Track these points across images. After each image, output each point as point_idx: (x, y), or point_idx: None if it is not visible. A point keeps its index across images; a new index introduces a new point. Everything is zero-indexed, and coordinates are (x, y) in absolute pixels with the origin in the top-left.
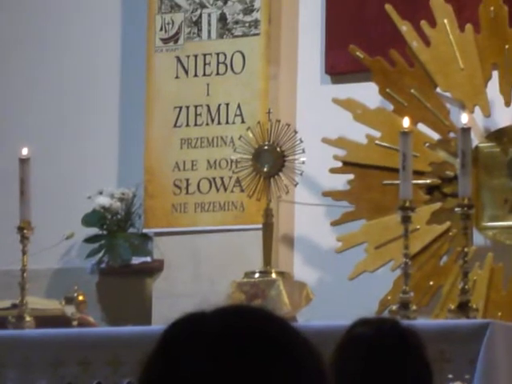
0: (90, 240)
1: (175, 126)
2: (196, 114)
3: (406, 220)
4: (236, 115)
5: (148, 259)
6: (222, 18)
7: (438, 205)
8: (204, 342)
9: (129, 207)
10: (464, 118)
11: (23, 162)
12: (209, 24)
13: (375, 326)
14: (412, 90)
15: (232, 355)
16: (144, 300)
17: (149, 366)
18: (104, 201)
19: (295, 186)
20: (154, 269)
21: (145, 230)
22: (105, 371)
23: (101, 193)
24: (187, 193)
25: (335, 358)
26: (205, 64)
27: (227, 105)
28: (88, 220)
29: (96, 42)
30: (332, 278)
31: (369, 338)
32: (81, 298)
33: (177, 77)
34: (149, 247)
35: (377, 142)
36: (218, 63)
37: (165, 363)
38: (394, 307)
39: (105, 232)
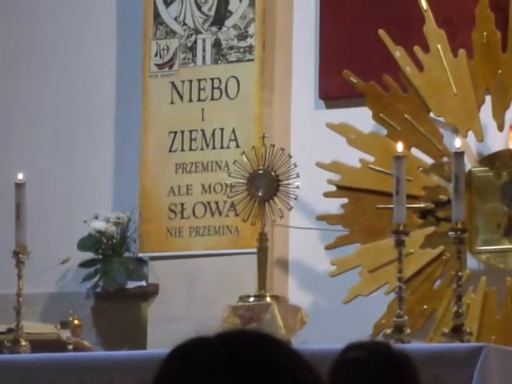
0: (85, 264)
1: (170, 150)
2: (191, 139)
3: (399, 244)
4: (231, 140)
5: (143, 283)
6: (217, 44)
7: (431, 229)
8: (208, 365)
9: (124, 231)
10: (457, 143)
11: (19, 186)
12: (203, 50)
13: (367, 350)
14: (405, 115)
15: (236, 379)
16: (139, 324)
17: None
18: (99, 225)
19: (290, 210)
20: (149, 293)
21: (140, 255)
22: None
23: (96, 217)
24: (182, 217)
25: (328, 382)
26: (199, 89)
27: (222, 130)
28: (83, 244)
29: (91, 67)
30: (326, 301)
31: (361, 362)
32: (76, 322)
33: (172, 102)
34: (144, 271)
35: (370, 166)
36: (213, 88)
37: None
38: (388, 331)
39: (100, 256)
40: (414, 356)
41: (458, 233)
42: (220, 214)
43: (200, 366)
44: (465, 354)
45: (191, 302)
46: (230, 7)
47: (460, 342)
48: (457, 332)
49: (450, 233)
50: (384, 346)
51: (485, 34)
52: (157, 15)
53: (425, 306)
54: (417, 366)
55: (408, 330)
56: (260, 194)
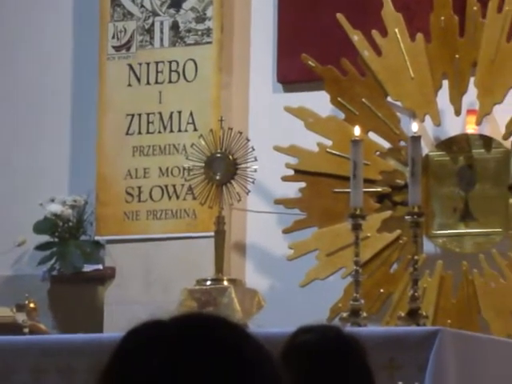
0: (41, 247)
1: (127, 133)
2: (148, 122)
3: (356, 228)
4: (188, 123)
5: (100, 267)
6: (175, 26)
7: (388, 213)
8: (161, 348)
9: (81, 214)
10: (414, 127)
11: None
12: (161, 32)
13: (318, 334)
14: (363, 99)
15: (189, 361)
16: (95, 307)
17: (107, 374)
18: (56, 208)
19: (247, 193)
20: (105, 276)
21: (97, 238)
22: (56, 379)
23: (52, 200)
24: (139, 200)
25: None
26: (157, 72)
27: (179, 113)
28: (39, 227)
29: (48, 49)
30: (283, 285)
31: (311, 346)
32: (32, 305)
33: (129, 84)
34: (100, 255)
35: (328, 150)
36: (171, 71)
37: (123, 370)
38: (345, 314)
39: (56, 239)
40: (370, 339)
41: (415, 217)
42: (177, 197)
43: (154, 350)
44: (421, 337)
45: (148, 285)
46: None
47: (416, 325)
48: (413, 315)
49: (406, 217)
50: (334, 330)
51: (442, 18)
52: None
53: (381, 290)
54: (366, 350)
55: (364, 314)
56: (218, 177)
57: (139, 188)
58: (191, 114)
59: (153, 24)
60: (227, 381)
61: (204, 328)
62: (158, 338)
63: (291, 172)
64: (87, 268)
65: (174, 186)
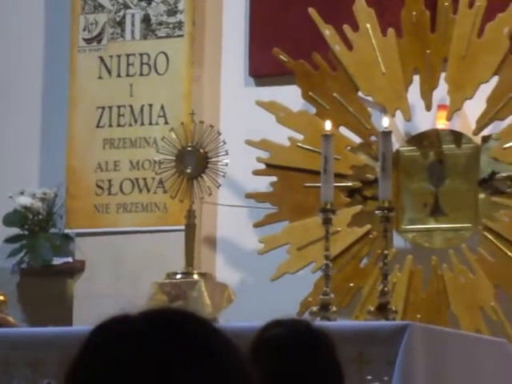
0: (10, 240)
1: (98, 126)
2: (119, 115)
3: (327, 222)
4: (159, 116)
5: (69, 260)
6: (146, 19)
7: (358, 207)
8: (129, 343)
9: (50, 207)
10: (385, 122)
11: None
12: (132, 25)
13: (287, 328)
14: (334, 94)
15: (156, 357)
16: (65, 300)
17: (75, 368)
18: (25, 200)
19: (218, 187)
20: (75, 269)
21: (66, 231)
22: (25, 371)
23: (22, 192)
24: (109, 193)
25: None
26: (128, 64)
27: (150, 106)
28: (9, 220)
29: (19, 41)
30: (254, 279)
31: (281, 340)
32: (1, 297)
33: (100, 77)
34: (70, 248)
35: (299, 144)
36: (142, 64)
37: (91, 364)
38: (315, 308)
39: (26, 232)
40: (340, 334)
41: (385, 212)
42: (148, 190)
43: (122, 345)
44: (390, 332)
45: (118, 278)
46: None
47: (385, 320)
48: (382, 310)
49: (376, 211)
50: (304, 324)
51: (414, 13)
52: None
53: (351, 284)
54: (336, 344)
55: (334, 308)
56: (188, 170)
57: (109, 181)
58: (162, 107)
59: (124, 17)
60: (195, 376)
61: (172, 323)
62: (126, 333)
63: (262, 166)
64: (57, 261)
65: (144, 179)
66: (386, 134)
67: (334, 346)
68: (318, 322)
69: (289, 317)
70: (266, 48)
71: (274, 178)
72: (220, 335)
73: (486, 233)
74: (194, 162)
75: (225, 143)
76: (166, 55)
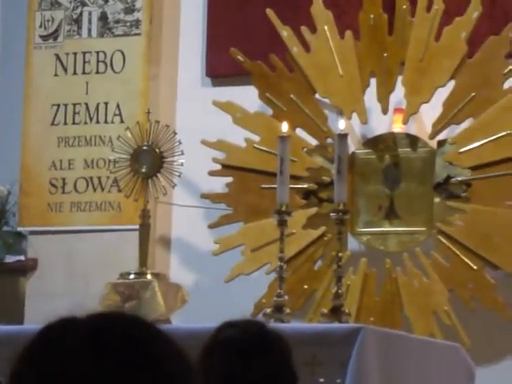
0: None
1: (53, 123)
2: (74, 113)
3: (282, 224)
4: (115, 115)
5: (22, 258)
6: (103, 17)
7: (313, 210)
8: (73, 344)
9: (3, 205)
10: (341, 124)
11: None
12: (89, 22)
13: (241, 329)
14: (291, 95)
15: (98, 357)
16: (17, 299)
17: (19, 367)
18: None
19: (173, 187)
20: (27, 268)
21: (19, 229)
22: None
23: None
24: (63, 192)
25: (200, 361)
26: (84, 62)
27: (106, 104)
28: None
29: None
30: (208, 280)
31: (234, 341)
32: None
33: (56, 74)
34: (23, 246)
35: (255, 145)
36: (98, 62)
37: (34, 365)
38: (269, 310)
39: None
40: (293, 336)
41: (340, 214)
42: (102, 189)
43: (66, 347)
44: (343, 334)
45: (71, 277)
46: None
47: (339, 322)
48: (336, 312)
49: (331, 214)
50: (257, 325)
51: (372, 16)
52: None
53: (305, 286)
54: (290, 346)
55: (288, 310)
56: (143, 170)
57: (63, 179)
58: (118, 105)
59: (81, 14)
60: (137, 379)
61: (115, 326)
62: (69, 336)
63: (218, 167)
64: (9, 259)
65: (99, 178)
66: (342, 137)
67: (289, 349)
68: (273, 324)
69: (243, 318)
70: (223, 48)
71: (230, 179)
72: (164, 338)
73: (440, 237)
74: (150, 161)
75: (180, 143)
76: (123, 53)
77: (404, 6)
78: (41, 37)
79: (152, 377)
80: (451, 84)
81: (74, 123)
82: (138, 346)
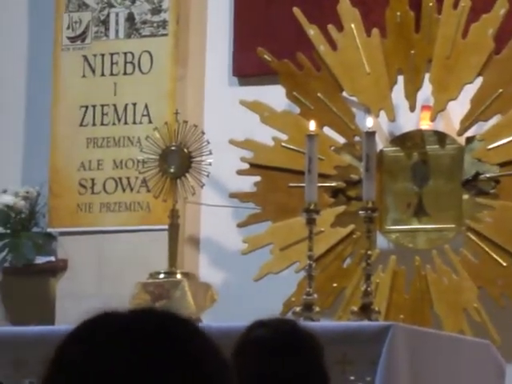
0: None
1: (81, 125)
2: (103, 114)
3: (310, 222)
4: (143, 115)
5: (52, 259)
6: (130, 18)
7: (342, 208)
8: (106, 341)
9: (33, 206)
10: (369, 122)
11: None
12: (116, 23)
13: (272, 328)
14: (318, 94)
15: (133, 355)
16: (47, 300)
17: (50, 367)
18: (8, 199)
19: (202, 187)
20: (57, 268)
21: (49, 230)
22: (7, 371)
23: (5, 191)
24: (93, 192)
25: (232, 360)
26: (112, 63)
27: (134, 105)
28: None
29: (2, 39)
30: (237, 279)
31: (266, 340)
32: None
33: (83, 76)
34: (53, 247)
35: (283, 144)
36: (126, 63)
37: (65, 364)
38: (298, 309)
39: (8, 231)
40: (323, 334)
41: (369, 212)
42: (131, 190)
43: (98, 347)
44: (373, 332)
45: (100, 278)
46: None
47: (368, 320)
48: (365, 310)
49: (360, 212)
50: (289, 324)
51: (398, 13)
52: None
53: (334, 285)
54: (321, 344)
55: (317, 308)
56: (172, 170)
57: (92, 180)
58: (146, 106)
59: (108, 15)
60: (173, 376)
61: (150, 322)
62: (102, 332)
63: (246, 166)
64: (39, 260)
65: (127, 178)
66: (370, 135)
67: (321, 348)
68: (304, 323)
69: (273, 317)
70: (250, 48)
71: (258, 178)
72: (201, 335)
73: (469, 234)
74: (178, 161)
75: (209, 143)
76: (150, 54)
77: (430, 4)
78: (68, 38)
79: (189, 375)
80: (479, 81)
81: (102, 124)
82: (175, 343)
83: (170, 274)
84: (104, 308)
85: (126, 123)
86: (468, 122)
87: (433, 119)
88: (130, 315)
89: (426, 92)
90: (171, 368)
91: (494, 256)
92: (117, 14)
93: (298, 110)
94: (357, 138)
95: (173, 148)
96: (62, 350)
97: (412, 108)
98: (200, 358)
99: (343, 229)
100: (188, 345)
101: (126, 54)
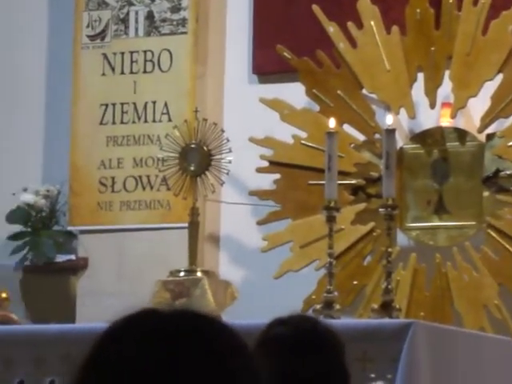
0: (14, 237)
1: (101, 123)
2: (122, 112)
3: (330, 220)
4: (163, 113)
5: (72, 257)
6: (150, 16)
7: (362, 205)
8: (135, 340)
9: (53, 204)
10: (389, 120)
11: None
12: (136, 21)
13: (293, 326)
14: (338, 91)
15: (160, 353)
16: (68, 298)
17: (87, 364)
18: (28, 198)
19: (222, 185)
20: (78, 267)
21: (69, 228)
22: (28, 369)
23: (25, 189)
24: (113, 191)
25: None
26: (132, 62)
27: (154, 103)
28: (12, 217)
29: (22, 38)
30: (257, 276)
31: (286, 338)
32: (4, 295)
33: (103, 74)
34: (73, 245)
35: (303, 142)
36: (146, 61)
37: (97, 363)
38: (318, 306)
39: (29, 229)
40: (344, 332)
41: (389, 209)
42: (151, 188)
43: (128, 346)
44: (394, 330)
45: (121, 276)
46: None
47: (389, 318)
48: (386, 308)
49: (380, 209)
50: (310, 322)
51: (418, 10)
52: None
53: (355, 282)
54: (343, 342)
55: (338, 306)
56: (192, 168)
57: (113, 178)
58: (166, 104)
59: (128, 13)
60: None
61: (178, 321)
62: (132, 332)
63: (266, 163)
64: (60, 258)
65: (148, 176)
66: (390, 132)
67: (342, 346)
68: (325, 320)
69: (294, 314)
70: (269, 45)
71: (278, 176)
72: (228, 333)
73: (490, 231)
74: (198, 159)
75: (228, 141)
76: (170, 52)
77: (450, 0)
78: (88, 37)
79: (216, 372)
80: (499, 77)
81: (122, 122)
82: (202, 340)
83: (190, 271)
84: (140, 307)
85: (145, 121)
86: (488, 118)
87: (453, 116)
88: (166, 315)
89: (446, 89)
90: (197, 365)
91: None
92: (136, 12)
93: (317, 107)
94: (377, 136)
95: (192, 146)
96: (97, 348)
97: (432, 105)
98: (226, 355)
99: (363, 226)
100: (214, 342)
101: (145, 52)
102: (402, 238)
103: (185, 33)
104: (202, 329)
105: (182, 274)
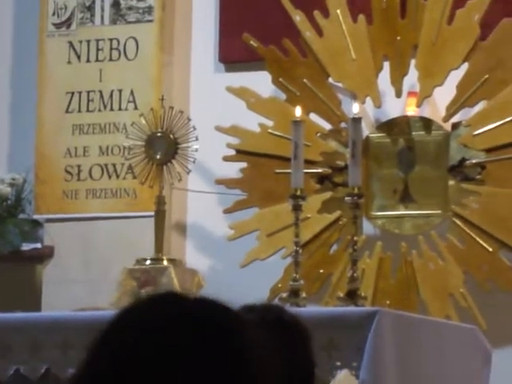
0: None
1: (67, 111)
2: (88, 100)
3: (296, 208)
4: (129, 101)
5: (38, 245)
6: (116, 4)
7: (328, 194)
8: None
9: (19, 193)
10: (355, 108)
11: None
12: (102, 9)
13: (259, 313)
14: (304, 80)
15: (174, 344)
16: (34, 286)
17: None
18: None
19: (188, 173)
20: (44, 255)
21: (35, 216)
22: (24, 356)
23: None
24: (79, 179)
25: None
26: (98, 50)
27: (120, 91)
28: None
29: None
30: (224, 265)
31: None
32: None
33: (69, 62)
34: (39, 233)
35: (269, 130)
36: (111, 49)
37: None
38: (285, 295)
39: None
40: (309, 320)
41: (355, 198)
42: (117, 176)
43: (141, 335)
44: (359, 317)
45: (87, 264)
46: None
47: (355, 306)
48: (352, 296)
49: (346, 198)
50: (276, 309)
51: None
52: None
53: (321, 271)
54: (309, 330)
55: (304, 294)
56: (158, 156)
57: (79, 166)
58: (132, 92)
59: (93, 1)
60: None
61: (191, 311)
62: (143, 321)
63: (232, 152)
64: (25, 247)
65: (113, 164)
66: (356, 121)
67: (308, 335)
68: (291, 308)
69: (260, 303)
70: (235, 34)
71: (244, 164)
72: (243, 324)
73: (455, 219)
74: (164, 147)
75: (195, 129)
76: (136, 40)
77: None
78: (54, 25)
79: (231, 364)
80: (464, 66)
81: (88, 111)
82: (217, 331)
83: (156, 260)
84: (153, 293)
85: (111, 109)
86: (454, 107)
87: (419, 105)
88: (180, 304)
89: (411, 78)
90: (212, 357)
91: (480, 241)
92: (102, 0)
93: (284, 96)
94: (343, 125)
95: (159, 134)
96: (106, 335)
97: (398, 94)
98: (241, 348)
99: (329, 215)
100: (229, 333)
101: (111, 40)
102: (367, 227)
103: (151, 21)
104: (217, 320)
105: (148, 262)
